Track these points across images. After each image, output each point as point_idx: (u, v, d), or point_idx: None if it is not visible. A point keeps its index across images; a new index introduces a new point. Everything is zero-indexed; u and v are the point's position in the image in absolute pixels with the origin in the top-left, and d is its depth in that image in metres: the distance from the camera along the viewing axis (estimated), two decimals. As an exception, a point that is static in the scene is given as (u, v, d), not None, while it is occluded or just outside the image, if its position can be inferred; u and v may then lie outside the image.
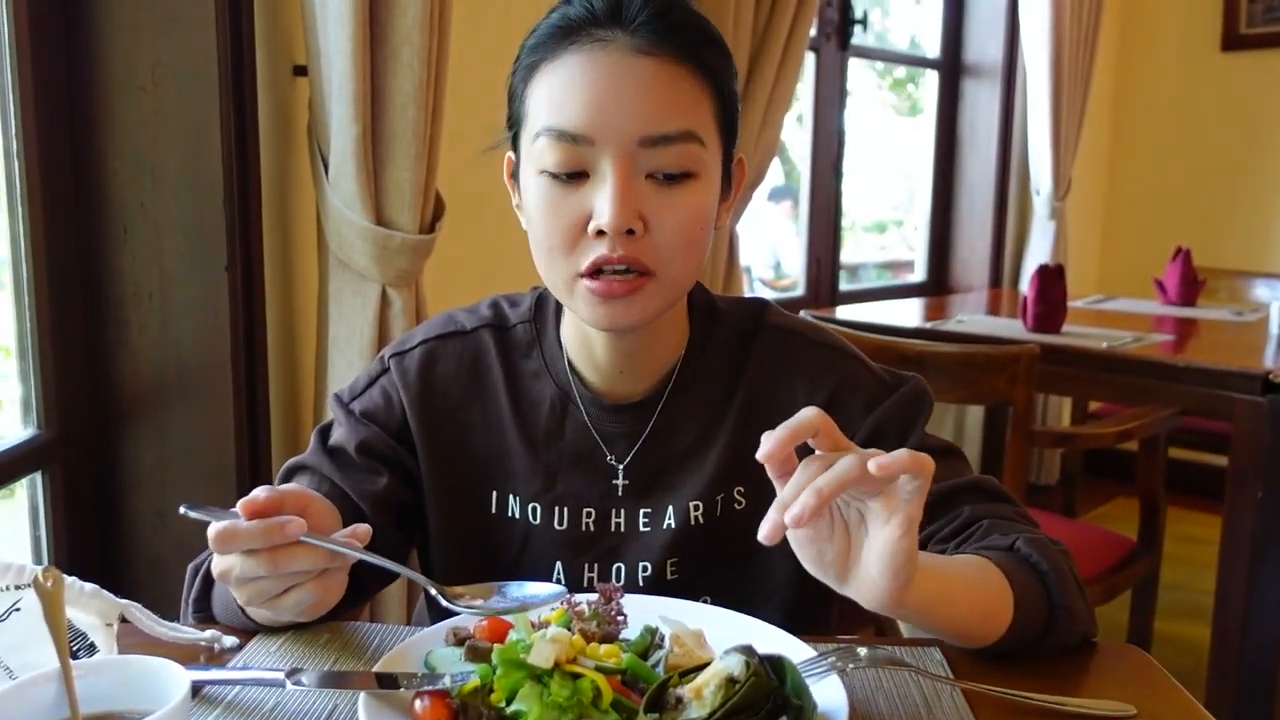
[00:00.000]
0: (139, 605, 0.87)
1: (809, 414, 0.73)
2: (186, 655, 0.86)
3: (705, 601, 1.00)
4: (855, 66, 3.56)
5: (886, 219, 4.13)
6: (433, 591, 0.81)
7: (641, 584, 1.01)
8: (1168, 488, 2.72)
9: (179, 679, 0.65)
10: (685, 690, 0.70)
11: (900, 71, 4.02)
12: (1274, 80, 3.98)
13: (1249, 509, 2.17)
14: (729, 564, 1.03)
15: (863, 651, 0.81)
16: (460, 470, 1.05)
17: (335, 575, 0.81)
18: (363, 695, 0.73)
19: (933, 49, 3.89)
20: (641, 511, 1.02)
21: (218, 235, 1.59)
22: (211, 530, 0.76)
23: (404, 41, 1.60)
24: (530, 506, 1.03)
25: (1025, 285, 3.03)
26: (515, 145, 0.98)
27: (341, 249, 1.66)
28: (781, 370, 1.04)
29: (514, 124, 0.97)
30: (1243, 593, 2.20)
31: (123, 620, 0.86)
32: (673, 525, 1.02)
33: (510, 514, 1.04)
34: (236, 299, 1.60)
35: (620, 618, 0.80)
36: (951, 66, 3.89)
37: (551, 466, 1.03)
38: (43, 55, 1.51)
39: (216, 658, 0.88)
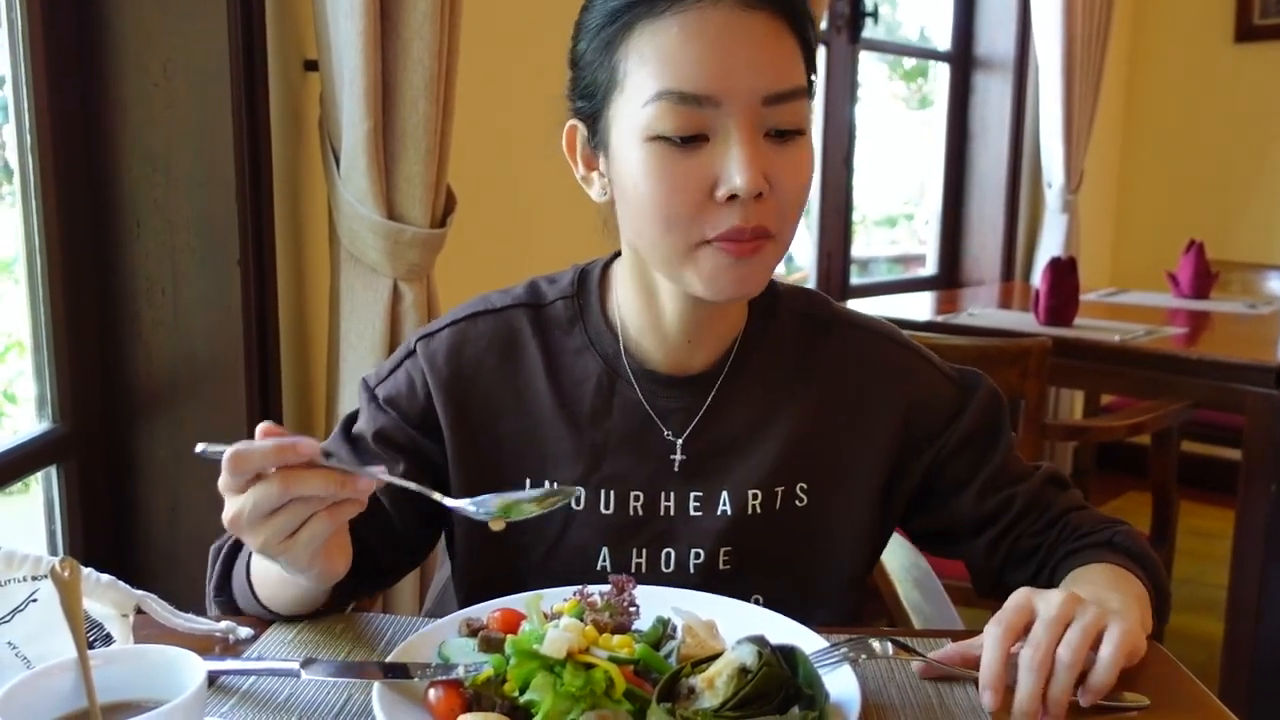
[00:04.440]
0: (154, 596, 0.87)
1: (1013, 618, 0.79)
2: (202, 646, 0.87)
3: (757, 602, 0.98)
4: (866, 60, 3.55)
5: (897, 213, 4.12)
6: (447, 502, 0.80)
7: (692, 571, 0.98)
8: (1180, 481, 2.72)
9: (195, 668, 0.65)
10: (698, 680, 0.70)
11: (910, 64, 4.00)
12: (1288, 72, 3.95)
13: (1262, 503, 2.16)
14: (787, 562, 1.00)
15: (875, 643, 0.81)
16: (492, 456, 1.01)
17: (348, 507, 0.77)
18: (377, 685, 0.73)
19: (943, 42, 3.88)
20: (692, 495, 0.99)
21: (230, 230, 1.59)
22: (226, 454, 0.74)
23: (415, 36, 1.60)
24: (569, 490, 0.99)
25: (1037, 278, 3.02)
26: (594, 114, 0.93)
27: (353, 243, 1.66)
28: (860, 370, 1.03)
29: (592, 93, 0.92)
30: (1256, 587, 2.19)
31: (139, 611, 0.86)
32: (728, 512, 0.99)
33: None
34: (249, 293, 1.60)
35: (633, 608, 0.81)
36: (963, 59, 3.88)
37: (598, 447, 0.99)
38: (55, 51, 1.52)
39: (232, 648, 0.89)
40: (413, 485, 0.80)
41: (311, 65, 1.74)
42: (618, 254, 1.03)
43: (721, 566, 0.99)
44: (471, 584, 1.04)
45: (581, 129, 0.96)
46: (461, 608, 1.01)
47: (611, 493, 0.99)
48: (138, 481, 1.67)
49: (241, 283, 1.60)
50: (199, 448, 0.78)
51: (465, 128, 1.80)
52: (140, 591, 0.86)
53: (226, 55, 1.55)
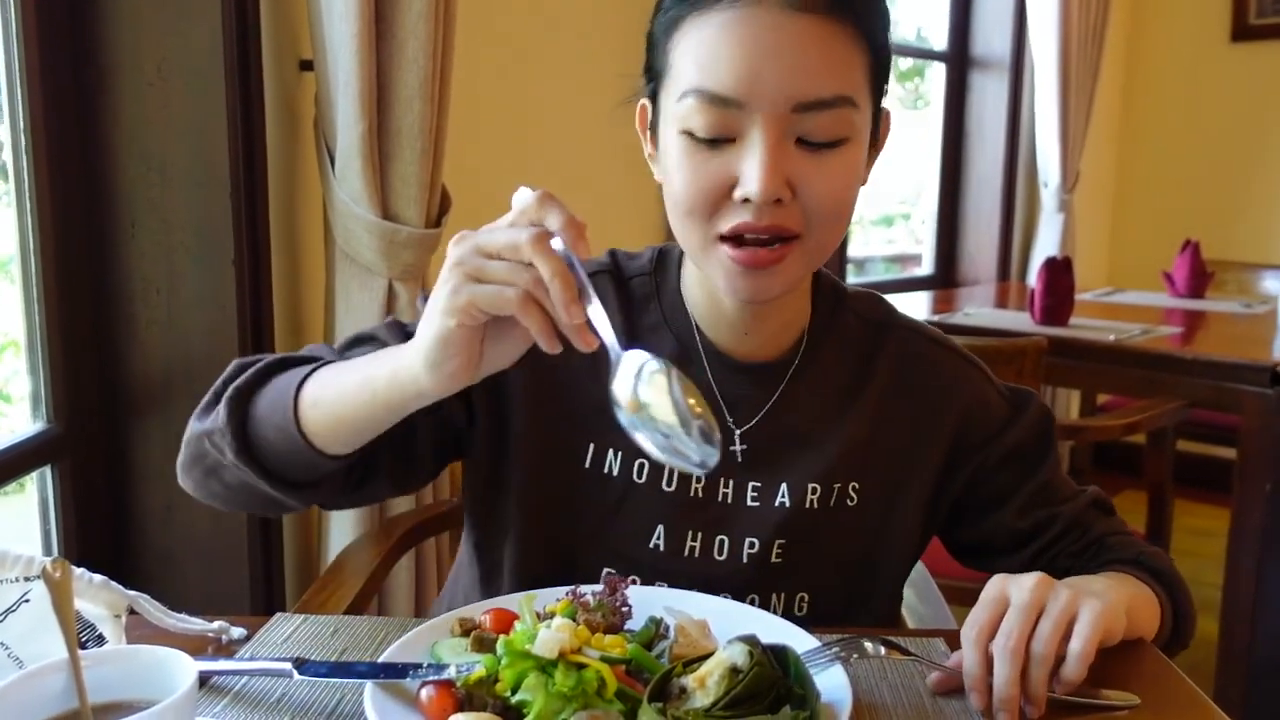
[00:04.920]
0: (147, 597, 0.87)
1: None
2: (195, 646, 0.87)
3: (803, 600, 0.98)
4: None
5: (894, 213, 4.12)
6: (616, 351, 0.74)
7: (745, 561, 0.97)
8: (1176, 480, 2.72)
9: (186, 669, 0.65)
10: (689, 680, 0.70)
11: (906, 64, 4.01)
12: (1284, 71, 3.96)
13: (1258, 502, 2.16)
14: (836, 560, 1.00)
15: (868, 644, 0.81)
16: (559, 421, 0.99)
17: (538, 314, 0.72)
18: (369, 685, 0.74)
19: (939, 41, 3.88)
20: (751, 485, 0.98)
21: (225, 230, 1.59)
22: (539, 193, 0.73)
23: (410, 35, 1.60)
24: (637, 463, 0.97)
25: (1033, 278, 3.02)
26: (654, 96, 0.93)
27: (348, 243, 1.66)
28: (917, 375, 1.03)
29: (654, 75, 0.92)
30: (1251, 586, 2.20)
31: (131, 612, 0.86)
32: (786, 504, 0.98)
33: (608, 470, 0.98)
34: (244, 293, 1.60)
35: (625, 609, 0.81)
36: (959, 59, 3.88)
37: None
38: (49, 50, 1.52)
39: (224, 648, 0.89)
40: (606, 334, 0.73)
41: (307, 65, 1.74)
42: None
43: (774, 559, 0.98)
44: (525, 549, 1.00)
45: (649, 109, 0.95)
46: (498, 580, 1.01)
47: (675, 470, 0.97)
48: (133, 482, 1.67)
49: (236, 282, 1.60)
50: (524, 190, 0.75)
51: (461, 128, 1.80)
52: (133, 592, 0.86)
53: (221, 55, 1.56)
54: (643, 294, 1.02)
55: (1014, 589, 0.79)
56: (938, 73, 3.90)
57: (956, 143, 3.92)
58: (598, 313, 0.72)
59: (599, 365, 0.95)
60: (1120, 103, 4.34)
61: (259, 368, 0.91)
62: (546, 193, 0.73)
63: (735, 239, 0.86)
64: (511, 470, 1.00)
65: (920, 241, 4.10)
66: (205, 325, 1.62)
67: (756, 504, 0.98)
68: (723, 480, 0.98)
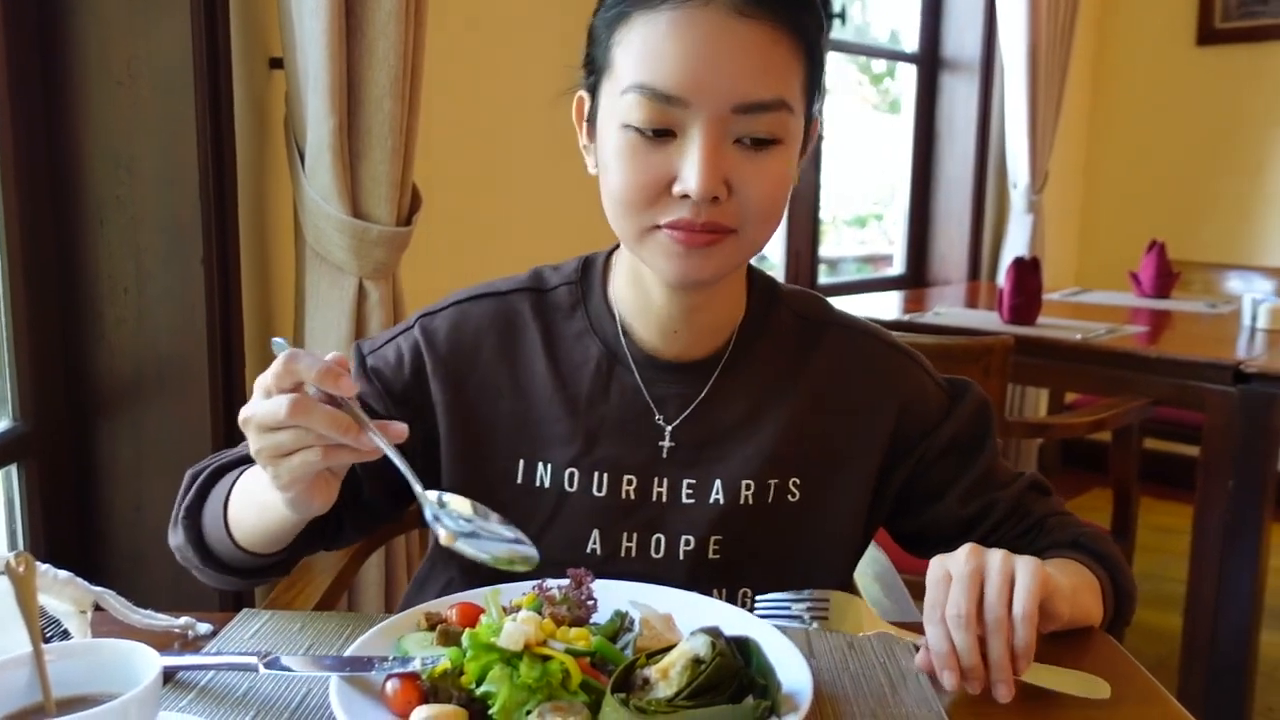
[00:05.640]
0: (113, 593, 0.87)
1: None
2: (161, 642, 0.87)
3: (745, 595, 0.99)
4: (835, 60, 3.57)
5: (866, 213, 4.15)
6: (428, 513, 0.78)
7: (681, 558, 0.99)
8: (1143, 478, 2.75)
9: (150, 662, 0.66)
10: (652, 671, 0.71)
11: (880, 66, 4.03)
12: (1248, 74, 4.02)
13: (1220, 498, 2.19)
14: (776, 555, 1.01)
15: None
16: (484, 438, 1.01)
17: (344, 453, 0.78)
18: (334, 678, 0.74)
19: (911, 43, 3.91)
20: (685, 482, 1.00)
21: (194, 228, 1.59)
22: (285, 352, 0.78)
23: (380, 34, 1.60)
24: (567, 472, 1.00)
25: (1002, 278, 3.05)
26: (592, 90, 0.95)
27: (318, 242, 1.66)
28: (854, 370, 1.05)
29: (594, 68, 0.94)
30: (1214, 582, 2.23)
31: (97, 608, 0.86)
32: (720, 501, 0.99)
33: (539, 483, 1.00)
34: (213, 292, 1.60)
35: (590, 602, 0.81)
36: (929, 61, 3.91)
37: (593, 430, 1.00)
38: (17, 49, 1.51)
39: (191, 644, 0.89)
40: (404, 467, 0.78)
41: (277, 63, 1.74)
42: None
43: (711, 555, 0.99)
44: (472, 565, 1.01)
45: (587, 101, 0.97)
46: (445, 591, 1.02)
47: (605, 475, 0.99)
48: (101, 481, 1.66)
49: (205, 281, 1.59)
50: (276, 340, 0.82)
51: (432, 126, 1.80)
52: (98, 588, 0.86)
53: (190, 53, 1.55)
54: (568, 303, 1.04)
55: (952, 564, 0.82)
56: (909, 75, 3.93)
57: (927, 144, 3.96)
58: (382, 441, 0.78)
59: (518, 383, 1.02)
60: (1088, 105, 4.39)
61: (199, 484, 0.98)
62: (292, 352, 0.78)
63: (672, 226, 0.89)
64: (445, 486, 1.02)
65: (892, 241, 4.13)
66: (174, 324, 1.61)
67: (691, 500, 1.00)
68: (655, 479, 1.00)
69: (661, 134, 0.87)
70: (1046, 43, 3.61)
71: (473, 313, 1.04)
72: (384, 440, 0.78)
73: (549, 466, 1.00)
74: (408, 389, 1.02)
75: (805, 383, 1.03)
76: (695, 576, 0.98)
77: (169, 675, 0.81)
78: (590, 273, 1.06)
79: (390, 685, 0.73)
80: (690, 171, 0.86)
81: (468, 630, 0.74)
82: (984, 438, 1.07)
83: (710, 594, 0.99)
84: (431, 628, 0.82)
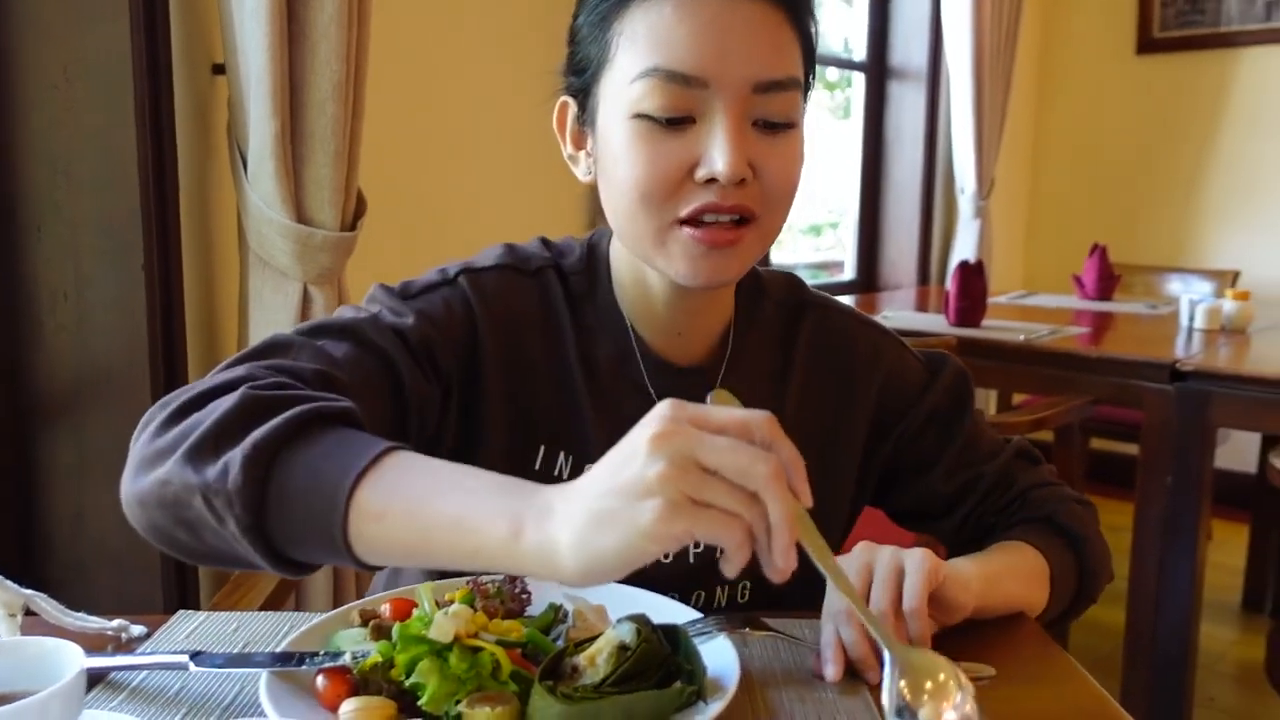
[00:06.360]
0: (45, 596, 0.87)
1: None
2: (94, 644, 0.86)
3: (744, 588, 0.99)
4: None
5: (823, 222, 4.19)
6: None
7: (692, 560, 0.97)
8: (1090, 478, 2.80)
9: (73, 658, 0.65)
10: (580, 659, 0.72)
11: (835, 75, 4.08)
12: (1186, 82, 4.11)
13: (1160, 495, 2.24)
14: None
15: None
16: (516, 425, 0.95)
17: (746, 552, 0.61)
18: (265, 674, 0.74)
19: (861, 52, 3.96)
20: None
21: (134, 234, 1.58)
22: (766, 414, 0.61)
23: (322, 38, 1.60)
24: (586, 468, 0.91)
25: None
26: (584, 90, 0.91)
27: (262, 247, 1.66)
28: (835, 352, 1.04)
29: (584, 68, 0.91)
30: (1155, 576, 2.27)
31: (29, 612, 0.86)
32: None
33: (557, 473, 0.96)
34: (154, 298, 1.59)
35: (524, 595, 0.82)
36: (878, 70, 3.96)
37: (610, 427, 0.92)
38: (-49, 52, 1.50)
39: (125, 646, 0.88)
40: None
41: (219, 69, 1.73)
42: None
43: (719, 553, 0.98)
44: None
45: (572, 106, 0.94)
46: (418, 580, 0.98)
47: None
48: (40, 489, 1.64)
49: (146, 287, 1.58)
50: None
51: (377, 130, 1.80)
52: (29, 591, 0.85)
53: (129, 58, 1.54)
54: (579, 293, 0.99)
55: (844, 563, 0.83)
56: (859, 83, 3.98)
57: (876, 151, 4.00)
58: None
59: (554, 369, 0.96)
60: (1033, 112, 4.47)
61: (289, 418, 0.68)
62: (773, 416, 0.62)
63: (694, 221, 0.86)
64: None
65: (845, 247, 4.17)
66: (114, 331, 1.60)
67: None
68: None
69: (676, 122, 0.84)
70: (991, 52, 3.68)
71: (518, 285, 0.97)
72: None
73: (570, 459, 0.96)
74: (460, 349, 0.92)
75: (794, 370, 1.03)
76: (702, 575, 0.98)
77: (100, 676, 0.81)
78: (596, 264, 1.00)
79: (320, 679, 0.73)
80: (718, 152, 0.83)
81: (398, 623, 0.75)
82: (963, 409, 1.07)
83: (715, 590, 1.00)
84: (365, 623, 0.82)
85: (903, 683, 0.68)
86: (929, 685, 0.68)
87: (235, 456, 0.66)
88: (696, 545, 0.97)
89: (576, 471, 0.96)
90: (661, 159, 0.85)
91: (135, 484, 0.71)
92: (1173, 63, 4.14)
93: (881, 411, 1.05)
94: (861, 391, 1.04)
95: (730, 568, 0.60)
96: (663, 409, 0.60)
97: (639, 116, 0.85)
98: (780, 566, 0.60)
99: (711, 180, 0.84)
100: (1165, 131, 4.17)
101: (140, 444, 0.72)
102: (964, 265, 2.72)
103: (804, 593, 1.03)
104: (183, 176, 1.65)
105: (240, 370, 0.77)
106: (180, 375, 1.64)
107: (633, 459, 0.59)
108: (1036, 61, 4.42)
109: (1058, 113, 4.45)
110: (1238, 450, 3.42)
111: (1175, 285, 3.63)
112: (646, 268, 0.94)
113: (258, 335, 1.68)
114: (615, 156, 0.87)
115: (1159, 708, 2.29)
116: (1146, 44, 4.18)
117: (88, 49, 1.55)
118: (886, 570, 0.82)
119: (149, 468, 0.70)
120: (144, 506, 0.71)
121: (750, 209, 0.86)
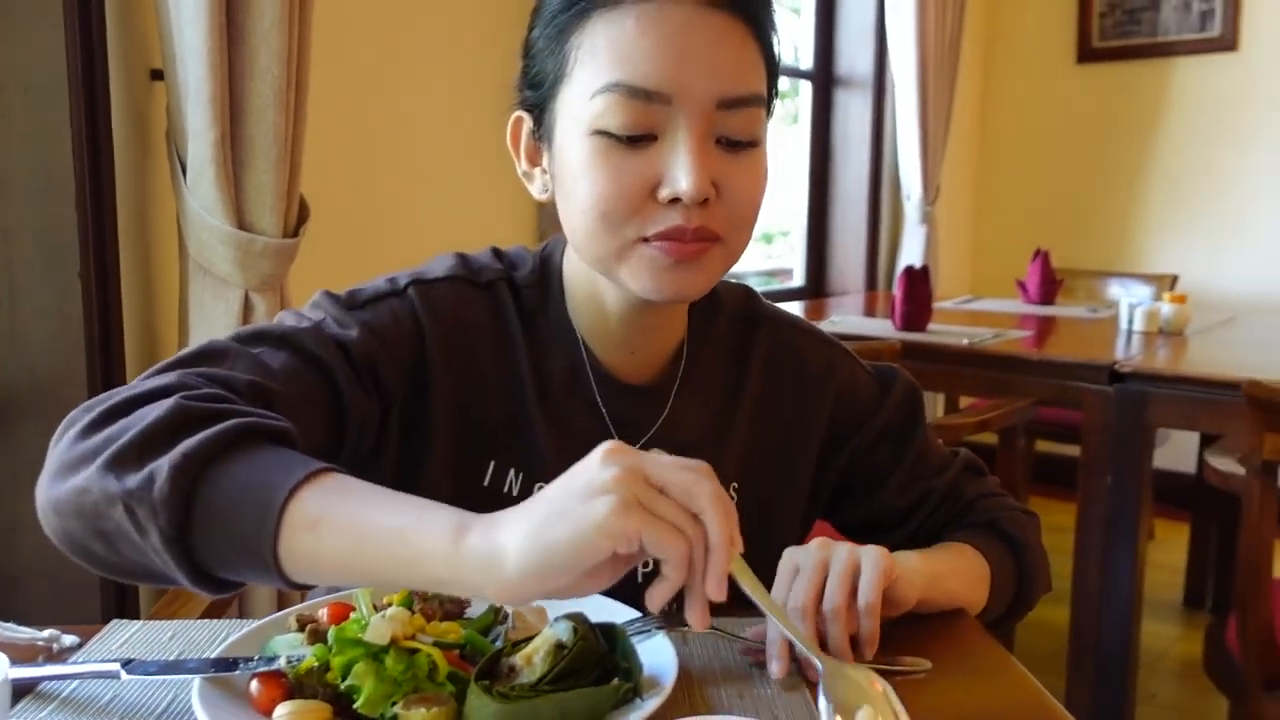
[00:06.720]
0: (-29, 607, 0.85)
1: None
2: (25, 655, 0.85)
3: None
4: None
5: (774, 230, 4.22)
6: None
7: (640, 579, 0.93)
8: (1035, 479, 2.84)
9: (-2, 666, 0.64)
10: (517, 658, 0.72)
11: (785, 84, 4.10)
12: (1124, 90, 4.20)
13: (1101, 494, 2.28)
14: None
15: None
16: (465, 439, 0.93)
17: (691, 575, 0.64)
18: (198, 680, 0.73)
19: (807, 60, 4.00)
20: None
21: (70, 241, 1.55)
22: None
23: (261, 43, 1.59)
24: (537, 486, 0.93)
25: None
26: (540, 105, 0.88)
27: (202, 254, 1.64)
28: (787, 367, 1.04)
29: (540, 82, 0.88)
30: (1098, 576, 2.31)
31: (-46, 624, 0.84)
32: None
33: (507, 490, 0.94)
34: (90, 306, 1.56)
35: (463, 597, 0.82)
36: (824, 78, 4.00)
37: (562, 445, 0.93)
38: (-122, 56, 1.46)
39: (56, 656, 0.87)
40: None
41: (158, 75, 1.71)
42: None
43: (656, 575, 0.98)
44: None
45: (527, 121, 0.92)
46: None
47: None
48: (-26, 503, 1.61)
49: (83, 295, 1.56)
50: None
51: (320, 136, 1.79)
52: (-45, 602, 0.84)
53: (64, 65, 1.53)
54: (531, 306, 0.97)
55: (800, 557, 0.84)
56: (806, 91, 4.02)
57: (823, 159, 4.04)
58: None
59: (502, 381, 0.93)
60: (976, 119, 4.54)
61: (224, 430, 0.66)
62: (709, 466, 0.65)
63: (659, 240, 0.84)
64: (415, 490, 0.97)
65: (794, 251, 4.20)
66: (49, 340, 1.57)
67: None
68: None
69: (638, 140, 0.82)
70: (935, 60, 3.73)
71: (468, 296, 0.94)
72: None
73: (519, 475, 0.94)
74: (400, 358, 0.90)
75: (747, 386, 1.02)
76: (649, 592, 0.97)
77: (29, 687, 0.79)
78: (549, 278, 0.98)
79: (255, 684, 0.73)
80: (681, 172, 0.81)
81: (333, 627, 0.74)
82: (915, 424, 1.08)
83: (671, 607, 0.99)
84: (302, 628, 0.81)
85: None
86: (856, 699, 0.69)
87: (163, 465, 0.64)
88: (645, 564, 0.95)
89: (526, 489, 0.94)
90: (624, 176, 0.82)
91: (51, 490, 0.69)
92: (1112, 71, 4.23)
93: (835, 426, 1.05)
94: (815, 405, 1.04)
95: (664, 589, 0.62)
96: (607, 445, 0.64)
97: (599, 133, 0.82)
98: (712, 591, 0.62)
99: (675, 200, 0.82)
100: (1105, 139, 4.26)
101: (60, 448, 0.70)
102: (909, 270, 2.75)
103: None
104: (120, 183, 1.63)
105: (171, 377, 0.75)
106: (118, 384, 1.61)
107: (585, 469, 0.62)
108: (980, 70, 4.49)
109: (1002, 120, 4.53)
110: (1178, 451, 3.48)
111: (1115, 289, 3.70)
112: (602, 283, 0.92)
113: (198, 343, 1.66)
114: (574, 174, 0.85)
115: (1102, 704, 2.33)
116: (1086, 53, 4.27)
117: (20, 54, 1.53)
118: (843, 567, 0.82)
119: (68, 474, 0.68)
120: (60, 514, 0.69)
121: (714, 232, 0.84)
